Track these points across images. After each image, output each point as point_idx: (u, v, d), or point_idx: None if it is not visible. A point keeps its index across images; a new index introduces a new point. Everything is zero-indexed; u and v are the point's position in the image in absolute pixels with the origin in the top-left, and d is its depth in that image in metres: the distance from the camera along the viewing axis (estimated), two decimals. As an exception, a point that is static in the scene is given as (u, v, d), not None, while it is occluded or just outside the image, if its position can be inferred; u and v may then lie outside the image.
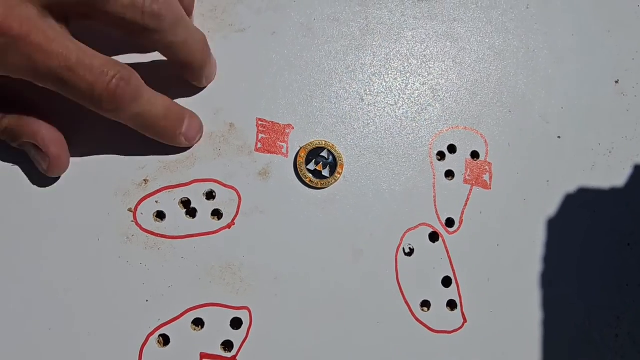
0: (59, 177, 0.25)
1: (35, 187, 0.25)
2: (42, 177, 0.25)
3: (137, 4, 0.21)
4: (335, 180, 0.28)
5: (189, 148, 0.27)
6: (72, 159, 0.25)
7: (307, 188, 0.28)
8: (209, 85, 0.27)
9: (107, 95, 0.21)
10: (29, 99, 0.23)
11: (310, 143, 0.28)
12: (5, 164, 0.25)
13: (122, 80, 0.21)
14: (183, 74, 0.26)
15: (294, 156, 0.28)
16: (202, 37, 0.25)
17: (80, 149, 0.26)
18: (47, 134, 0.23)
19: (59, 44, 0.20)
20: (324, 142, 0.28)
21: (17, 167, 0.25)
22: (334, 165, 0.28)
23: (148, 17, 0.21)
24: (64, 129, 0.25)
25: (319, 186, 0.28)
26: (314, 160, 0.28)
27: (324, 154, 0.28)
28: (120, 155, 0.26)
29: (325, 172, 0.28)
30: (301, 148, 0.28)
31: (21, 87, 0.22)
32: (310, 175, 0.28)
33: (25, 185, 0.25)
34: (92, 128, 0.25)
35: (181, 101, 0.27)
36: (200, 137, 0.27)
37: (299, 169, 0.28)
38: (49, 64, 0.20)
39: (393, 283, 0.28)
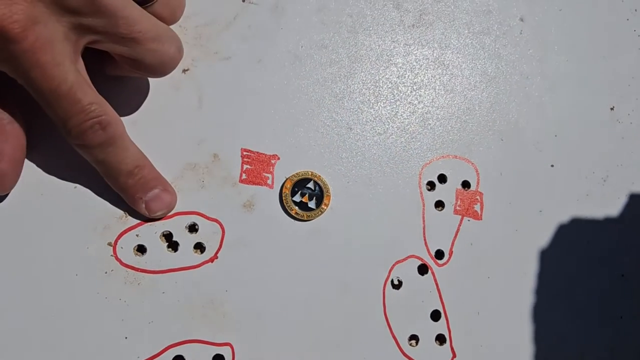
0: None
1: (10, 218, 0.24)
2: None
3: (166, 50, 0.22)
4: (322, 212, 0.27)
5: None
6: (51, 191, 0.25)
7: (292, 220, 0.27)
8: (193, 115, 0.27)
9: (76, 132, 0.22)
10: (14, 114, 0.23)
11: (296, 174, 0.27)
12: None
13: (99, 124, 0.22)
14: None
15: (279, 187, 0.27)
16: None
17: (59, 181, 0.25)
18: (8, 150, 0.23)
19: (60, 71, 0.20)
20: (310, 173, 0.27)
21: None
22: (320, 196, 0.27)
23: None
24: (44, 160, 0.25)
25: (305, 218, 0.27)
26: (300, 192, 0.27)
27: (310, 185, 0.27)
28: (101, 187, 0.25)
29: (312, 204, 0.27)
30: (287, 179, 0.27)
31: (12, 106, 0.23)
32: (296, 207, 0.27)
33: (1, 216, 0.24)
34: (73, 160, 0.24)
35: (165, 131, 0.26)
36: (165, 213, 0.26)
37: (284, 201, 0.27)
38: (42, 82, 0.20)
39: (380, 317, 0.28)
